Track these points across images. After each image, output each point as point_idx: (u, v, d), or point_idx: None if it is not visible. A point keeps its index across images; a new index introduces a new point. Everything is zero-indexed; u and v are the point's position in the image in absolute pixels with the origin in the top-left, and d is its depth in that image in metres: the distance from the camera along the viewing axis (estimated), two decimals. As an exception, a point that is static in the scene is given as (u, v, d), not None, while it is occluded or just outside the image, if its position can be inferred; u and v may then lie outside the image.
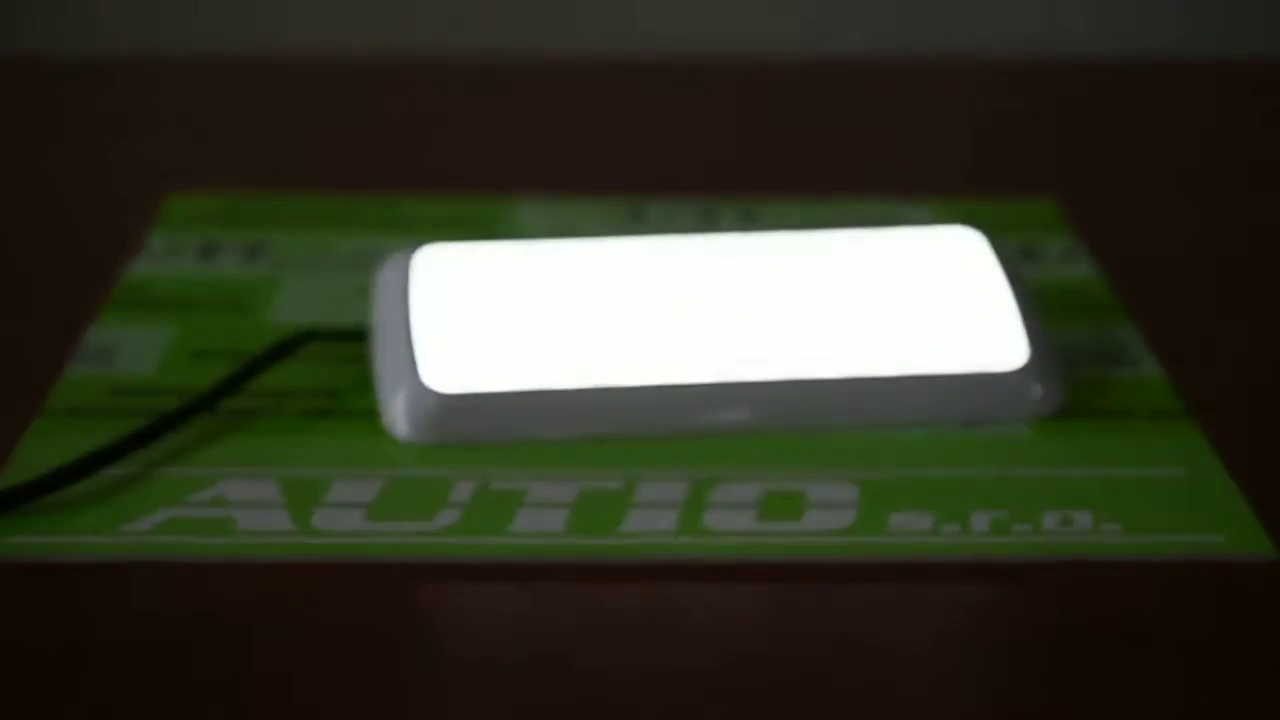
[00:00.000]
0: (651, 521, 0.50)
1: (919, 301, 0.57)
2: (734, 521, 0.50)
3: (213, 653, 0.45)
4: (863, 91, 0.83)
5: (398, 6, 0.89)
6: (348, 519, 0.50)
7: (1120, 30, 0.90)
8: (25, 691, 0.44)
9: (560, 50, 0.90)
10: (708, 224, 0.69)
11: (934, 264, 0.58)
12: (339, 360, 0.59)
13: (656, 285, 0.57)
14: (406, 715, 0.43)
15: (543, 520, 0.50)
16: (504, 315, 0.56)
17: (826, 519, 0.51)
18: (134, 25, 0.89)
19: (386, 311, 0.56)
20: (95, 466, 0.52)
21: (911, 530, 0.50)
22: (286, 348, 0.57)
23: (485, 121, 0.79)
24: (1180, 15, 0.90)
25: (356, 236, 0.68)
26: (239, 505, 0.51)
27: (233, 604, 0.47)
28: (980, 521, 0.51)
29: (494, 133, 0.78)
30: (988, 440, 0.54)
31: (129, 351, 0.59)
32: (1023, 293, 0.57)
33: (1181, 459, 0.54)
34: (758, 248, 0.58)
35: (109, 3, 0.89)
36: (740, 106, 0.81)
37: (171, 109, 0.80)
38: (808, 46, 0.90)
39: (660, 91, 0.83)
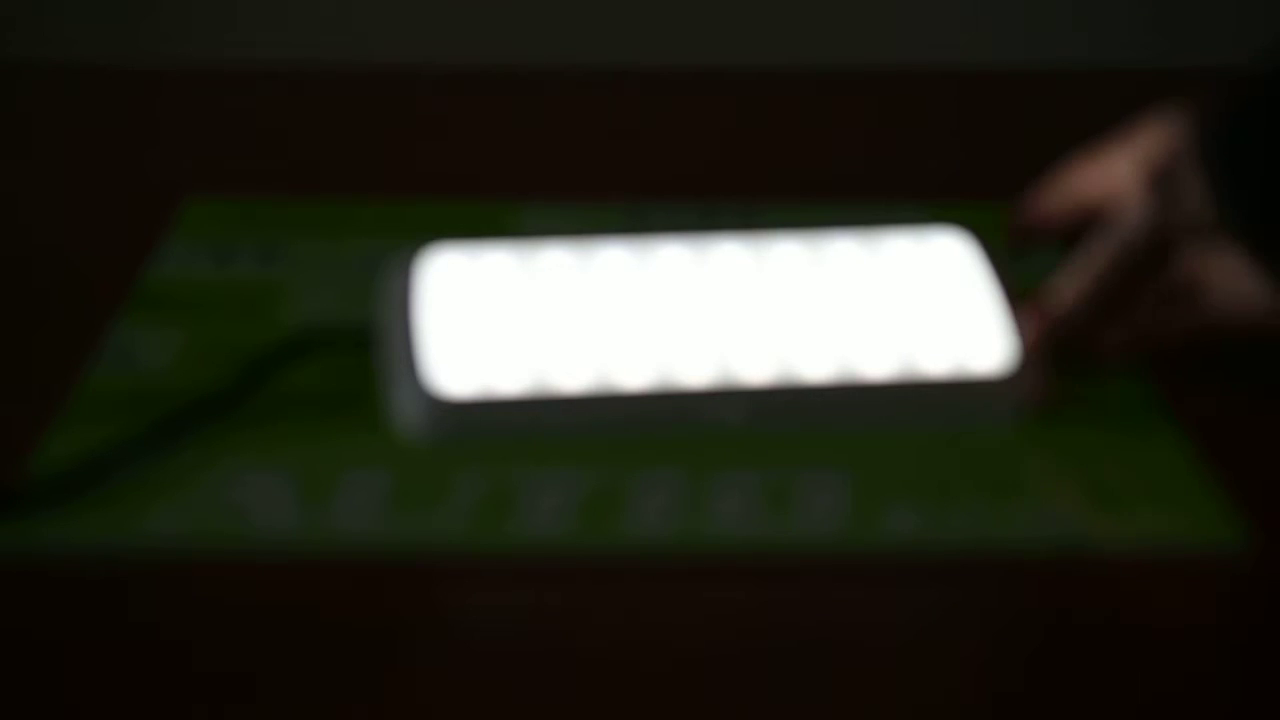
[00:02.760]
0: (652, 519, 0.52)
1: (911, 304, 0.57)
2: (731, 519, 0.52)
3: (225, 648, 0.46)
4: (855, 100, 0.83)
5: (405, 17, 0.89)
6: (357, 517, 0.51)
7: (1104, 39, 0.90)
8: (38, 686, 0.45)
9: (563, 56, 0.90)
10: (707, 225, 0.69)
11: (925, 266, 0.59)
12: (348, 361, 0.59)
13: (656, 288, 0.58)
14: (413, 708, 0.44)
15: (546, 518, 0.51)
16: (508, 316, 0.56)
17: (820, 517, 0.52)
18: (155, 37, 0.89)
19: (394, 313, 0.57)
20: (113, 466, 0.53)
21: (901, 527, 0.51)
22: (298, 349, 0.58)
23: (490, 127, 0.79)
24: (1157, 27, 0.90)
25: (366, 240, 0.68)
26: (251, 504, 0.52)
27: (245, 600, 0.48)
28: (968, 519, 0.52)
29: (498, 138, 0.78)
30: (977, 440, 0.55)
31: (147, 352, 0.59)
32: (1011, 294, 0.58)
33: (1163, 458, 0.55)
34: (754, 251, 0.59)
35: (130, 15, 0.89)
36: (738, 113, 0.81)
37: (190, 117, 0.80)
38: (804, 57, 0.90)
39: (661, 97, 0.83)
